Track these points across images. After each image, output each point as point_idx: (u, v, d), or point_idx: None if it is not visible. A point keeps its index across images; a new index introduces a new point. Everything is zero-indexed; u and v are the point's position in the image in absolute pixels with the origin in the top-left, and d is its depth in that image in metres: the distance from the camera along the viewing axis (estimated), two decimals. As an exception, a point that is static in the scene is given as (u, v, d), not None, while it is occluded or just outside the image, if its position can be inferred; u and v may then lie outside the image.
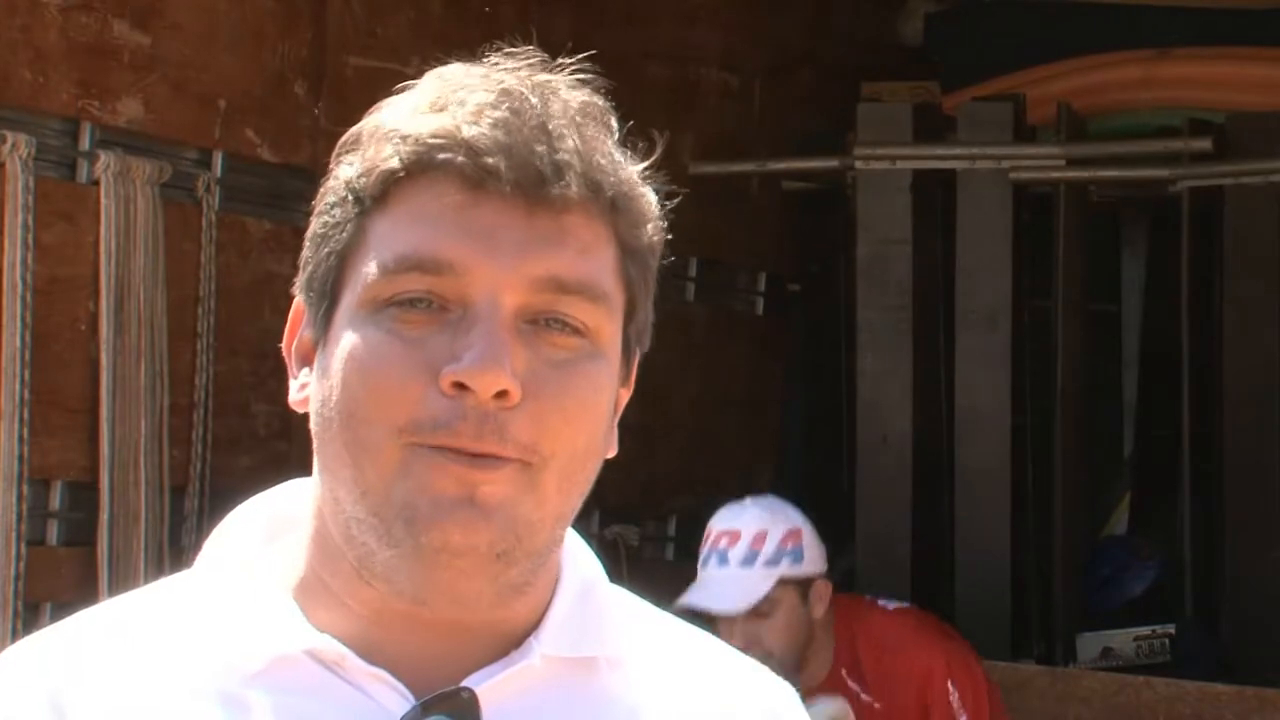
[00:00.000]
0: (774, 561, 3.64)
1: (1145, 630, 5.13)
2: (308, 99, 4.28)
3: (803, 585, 3.66)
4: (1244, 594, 4.92)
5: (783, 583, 3.63)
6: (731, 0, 5.65)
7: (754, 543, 3.66)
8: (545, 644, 1.14)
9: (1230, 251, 5.02)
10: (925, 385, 5.05)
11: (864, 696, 3.68)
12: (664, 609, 1.27)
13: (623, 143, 1.17)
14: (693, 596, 3.66)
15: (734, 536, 3.69)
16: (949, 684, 3.65)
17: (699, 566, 3.72)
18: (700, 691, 1.21)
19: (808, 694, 3.69)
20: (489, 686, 1.11)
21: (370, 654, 1.11)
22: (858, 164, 5.13)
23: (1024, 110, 5.23)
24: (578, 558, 1.20)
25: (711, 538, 3.72)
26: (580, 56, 1.16)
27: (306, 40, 4.33)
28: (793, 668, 3.64)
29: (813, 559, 3.69)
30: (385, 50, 4.35)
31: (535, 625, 1.15)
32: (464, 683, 1.11)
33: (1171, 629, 5.11)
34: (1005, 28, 5.87)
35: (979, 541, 4.91)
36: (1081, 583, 5.24)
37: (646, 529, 5.35)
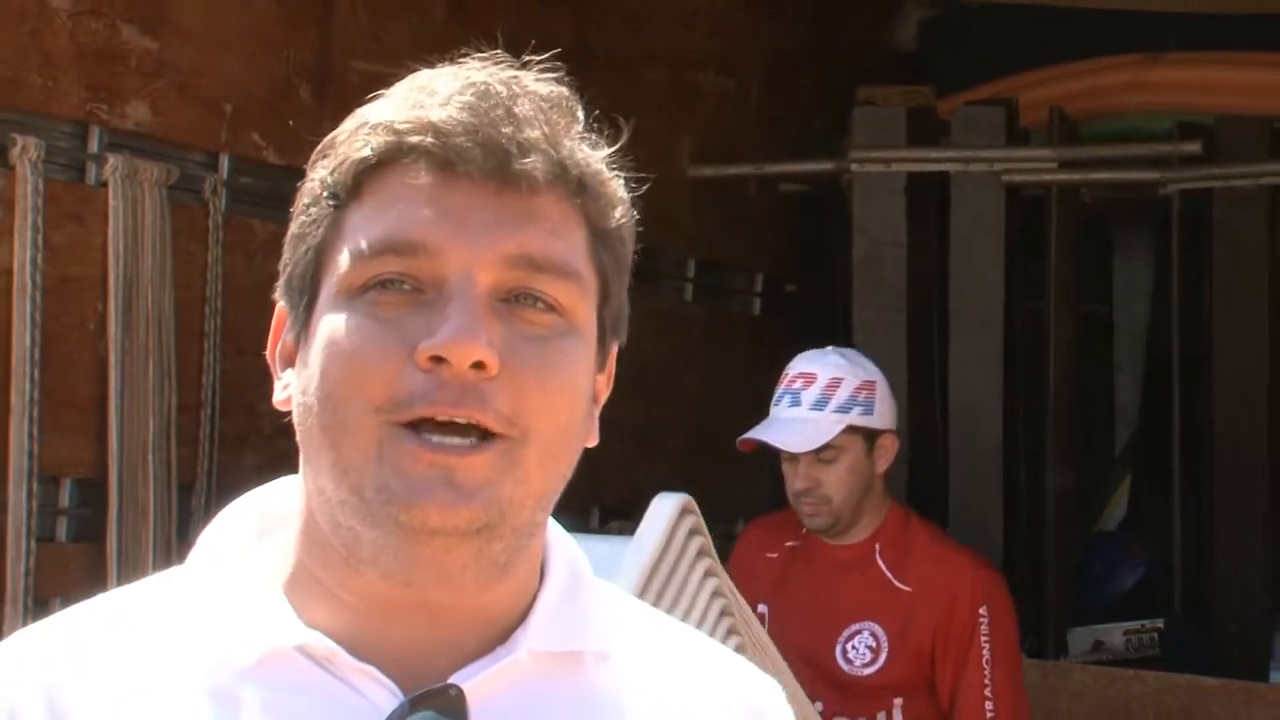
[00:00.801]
0: (845, 409, 3.66)
1: (1135, 625, 5.14)
2: (313, 103, 4.28)
3: (869, 436, 3.67)
4: (1233, 591, 4.93)
5: (850, 430, 3.64)
6: (729, 5, 5.65)
7: (827, 388, 3.68)
8: (532, 638, 1.14)
9: (1219, 253, 5.02)
10: (920, 385, 5.04)
11: (890, 577, 3.66)
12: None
13: (625, 150, 1.17)
14: (761, 433, 3.67)
15: (809, 379, 3.70)
16: (982, 610, 3.61)
17: (772, 405, 3.72)
18: (684, 685, 1.21)
19: (846, 552, 3.70)
20: (476, 683, 1.11)
21: (360, 650, 1.11)
22: (853, 167, 5.13)
23: (1016, 114, 5.23)
24: (563, 552, 1.20)
25: (788, 378, 3.73)
26: (551, 54, 1.16)
27: (311, 45, 4.33)
28: (848, 517, 3.66)
29: (883, 414, 3.70)
30: (389, 55, 4.35)
31: (522, 617, 1.15)
32: (451, 679, 1.11)
33: (1160, 623, 5.11)
34: (998, 33, 5.88)
35: (973, 539, 4.90)
36: (1073, 578, 5.24)
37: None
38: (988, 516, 4.93)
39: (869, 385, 3.69)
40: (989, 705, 3.57)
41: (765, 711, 1.24)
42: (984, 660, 3.58)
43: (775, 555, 3.76)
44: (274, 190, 4.15)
